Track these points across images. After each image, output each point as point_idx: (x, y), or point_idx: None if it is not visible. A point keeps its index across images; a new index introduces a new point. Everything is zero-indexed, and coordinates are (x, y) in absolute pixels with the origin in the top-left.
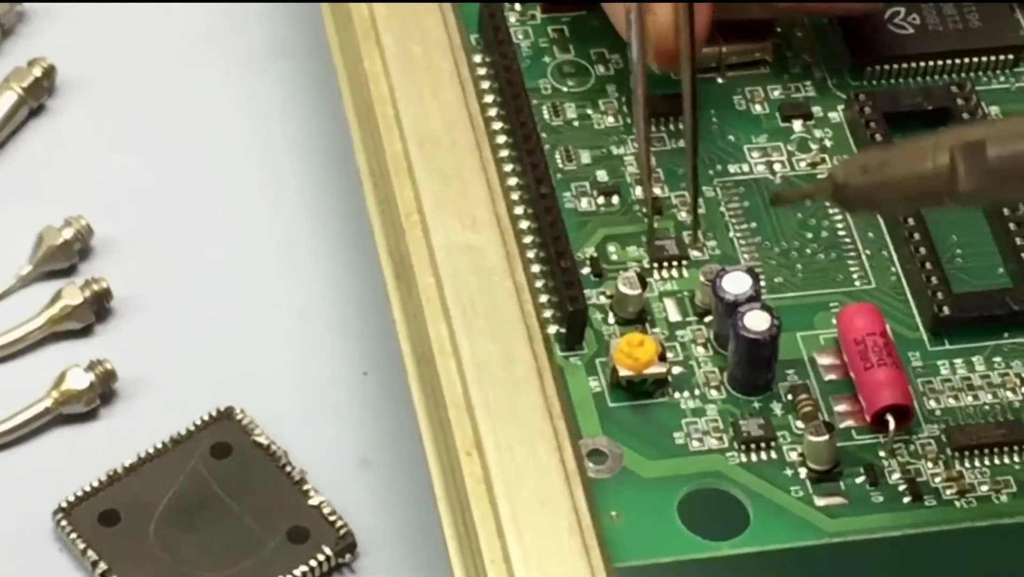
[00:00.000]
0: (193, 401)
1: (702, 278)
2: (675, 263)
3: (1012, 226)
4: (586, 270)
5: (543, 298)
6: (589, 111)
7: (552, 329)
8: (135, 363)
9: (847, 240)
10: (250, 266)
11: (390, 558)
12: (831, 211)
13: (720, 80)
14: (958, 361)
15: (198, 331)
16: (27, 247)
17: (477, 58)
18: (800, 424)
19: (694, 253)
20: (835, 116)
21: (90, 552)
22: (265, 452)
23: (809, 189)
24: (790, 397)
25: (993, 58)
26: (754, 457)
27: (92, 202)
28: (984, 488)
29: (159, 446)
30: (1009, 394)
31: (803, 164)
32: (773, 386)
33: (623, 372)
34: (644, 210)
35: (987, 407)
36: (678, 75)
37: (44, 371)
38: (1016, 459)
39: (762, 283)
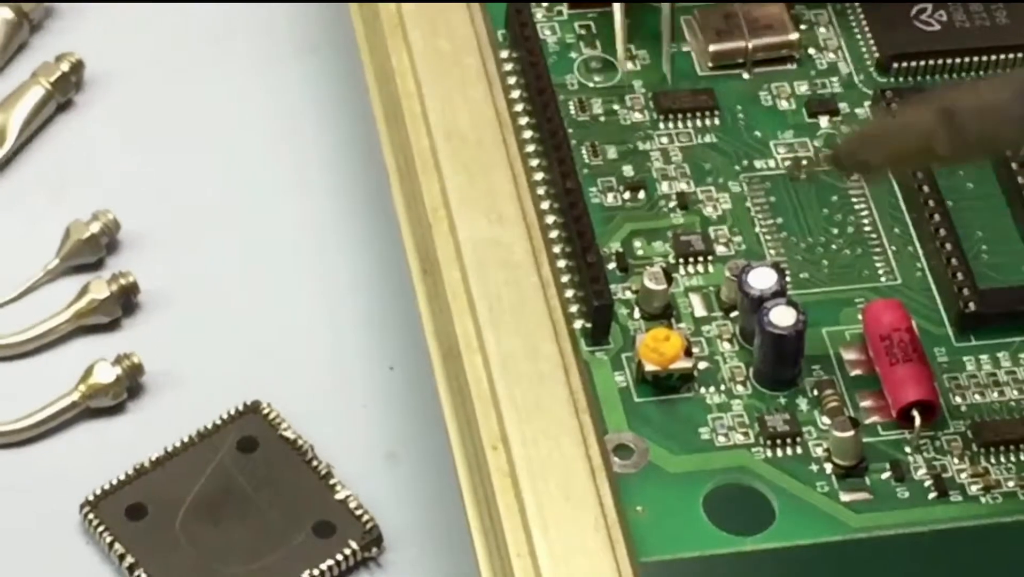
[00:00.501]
0: (220, 395)
1: (728, 273)
2: (701, 258)
3: None
4: (612, 265)
5: (569, 293)
6: (615, 107)
7: (578, 324)
8: (162, 357)
9: (873, 236)
10: (277, 261)
11: (416, 552)
12: (857, 206)
13: (746, 76)
14: (984, 357)
15: (225, 325)
16: (55, 241)
17: (504, 54)
18: (826, 420)
19: (720, 248)
20: (862, 112)
21: (117, 546)
22: (291, 446)
23: (816, 159)
24: (816, 392)
25: (1020, 55)
26: (780, 452)
27: (119, 196)
28: (1010, 484)
29: (186, 440)
30: None
31: None
32: (799, 381)
33: (649, 367)
34: (671, 204)
35: (1013, 403)
36: None
37: (71, 365)
38: None
39: (788, 278)
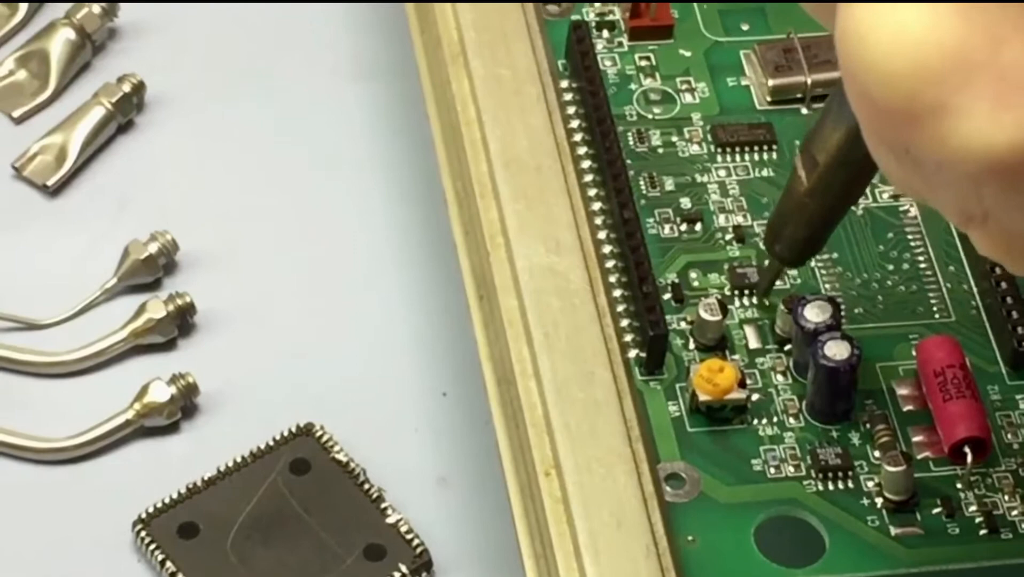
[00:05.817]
0: (273, 417)
1: (783, 306)
2: (756, 291)
3: None
4: (667, 296)
5: (624, 322)
6: (674, 138)
7: (632, 353)
8: (217, 377)
9: (928, 272)
10: (333, 284)
11: None
12: (912, 243)
13: (805, 111)
14: None
15: (280, 347)
16: (113, 260)
17: (564, 84)
18: (878, 454)
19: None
20: None
21: (168, 564)
22: (344, 469)
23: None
24: (868, 426)
25: None
26: (831, 486)
27: (178, 217)
28: None
29: (239, 460)
30: None
31: (885, 196)
32: (852, 415)
33: (703, 397)
34: (728, 237)
35: None
36: None
37: (127, 383)
38: None
39: (842, 313)
